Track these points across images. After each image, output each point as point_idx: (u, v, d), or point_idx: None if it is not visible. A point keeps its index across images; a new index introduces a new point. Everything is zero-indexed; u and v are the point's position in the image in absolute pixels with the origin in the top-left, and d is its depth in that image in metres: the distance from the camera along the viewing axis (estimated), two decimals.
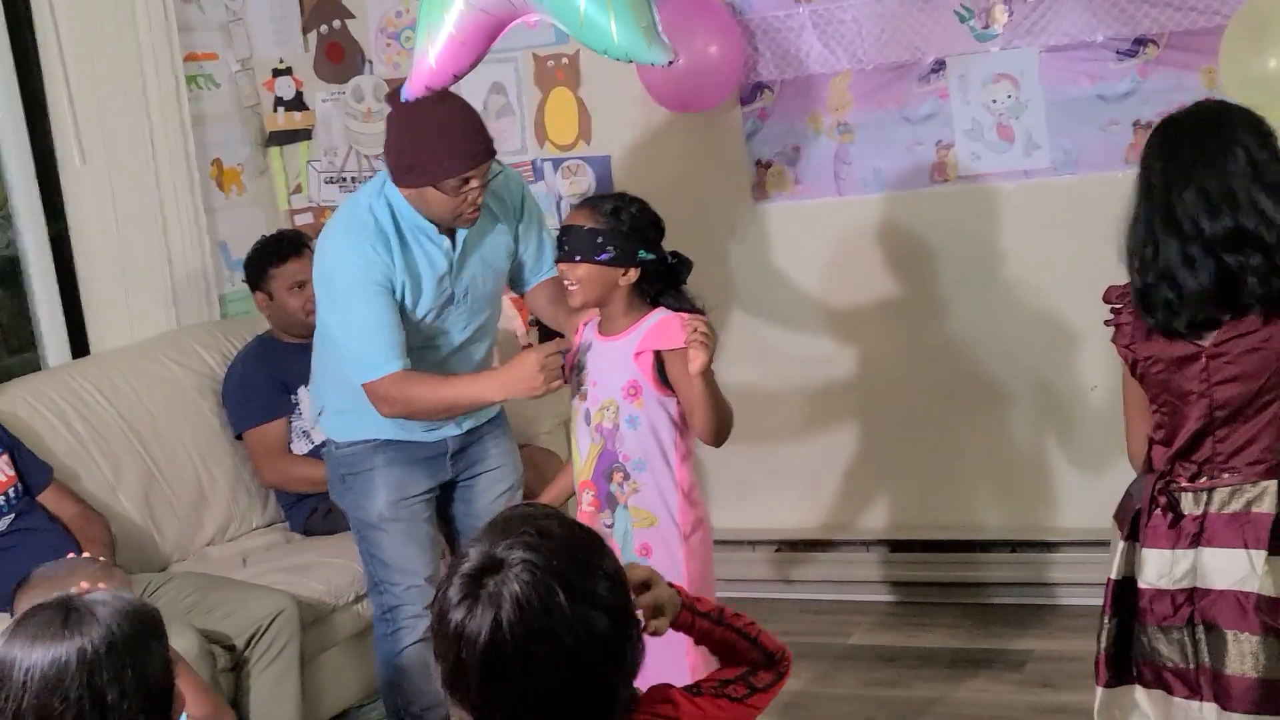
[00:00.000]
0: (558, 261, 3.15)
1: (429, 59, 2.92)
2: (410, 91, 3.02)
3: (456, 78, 3.01)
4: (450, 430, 3.58)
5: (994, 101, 4.36)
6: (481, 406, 3.37)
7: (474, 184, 3.27)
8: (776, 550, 4.83)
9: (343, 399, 3.57)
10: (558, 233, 3.17)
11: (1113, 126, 4.24)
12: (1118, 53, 4.20)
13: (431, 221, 3.36)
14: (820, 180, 4.62)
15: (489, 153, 3.28)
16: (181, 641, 3.43)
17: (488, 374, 3.37)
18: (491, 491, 3.69)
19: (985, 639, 4.32)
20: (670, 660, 3.05)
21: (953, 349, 4.56)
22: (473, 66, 2.98)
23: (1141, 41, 4.17)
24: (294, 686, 3.75)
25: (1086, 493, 4.35)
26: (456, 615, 1.68)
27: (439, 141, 3.21)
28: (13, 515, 3.76)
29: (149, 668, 2.01)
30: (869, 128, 4.52)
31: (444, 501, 3.70)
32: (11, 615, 2.74)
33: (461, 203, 3.29)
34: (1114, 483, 2.94)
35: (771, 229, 4.72)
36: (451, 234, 3.40)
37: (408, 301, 3.37)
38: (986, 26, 4.32)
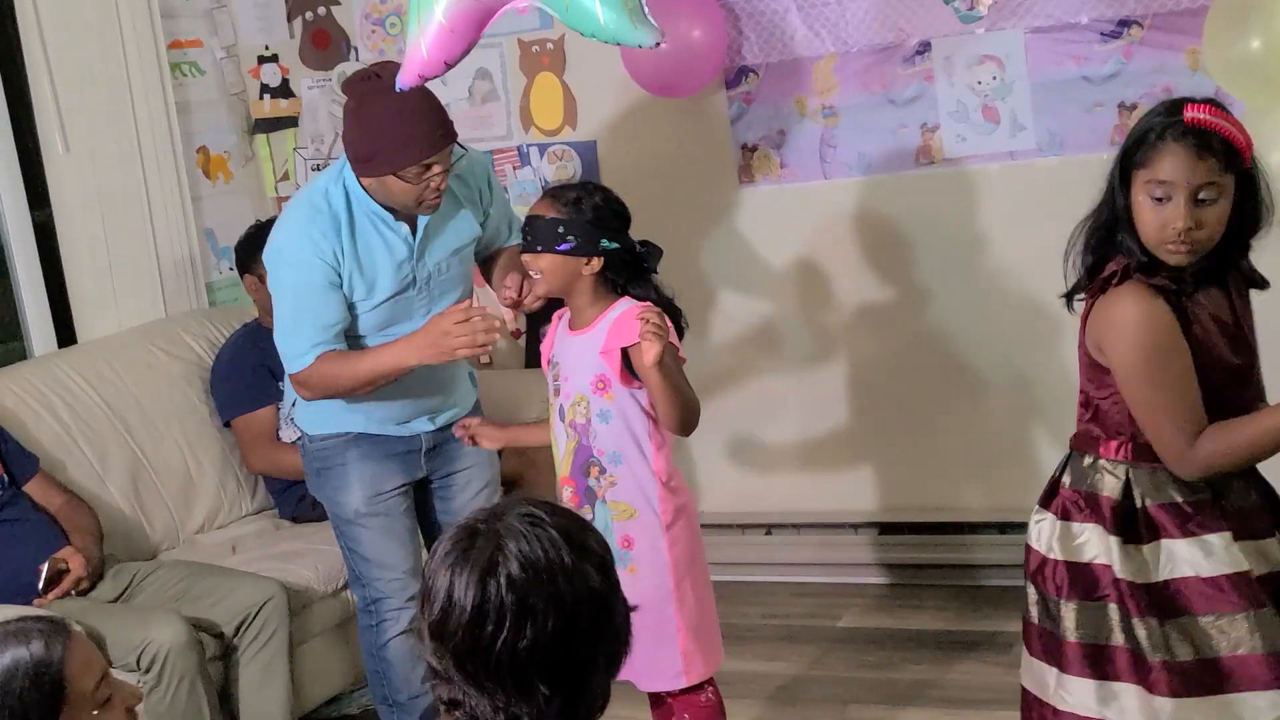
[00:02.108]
0: (522, 252, 3.15)
1: (421, 49, 2.92)
2: (404, 81, 3.02)
3: (449, 66, 3.01)
4: (423, 425, 3.58)
5: (979, 83, 4.36)
6: (402, 372, 3.35)
7: (436, 170, 3.28)
8: (766, 533, 4.84)
9: None
10: (522, 223, 3.16)
11: (1097, 108, 4.24)
12: (1102, 34, 4.20)
13: (392, 209, 3.36)
14: (805, 163, 4.61)
15: (449, 136, 3.28)
16: (169, 630, 3.46)
17: (404, 338, 3.35)
18: (469, 490, 3.68)
19: (974, 621, 4.33)
20: (664, 647, 3.07)
21: (939, 330, 4.56)
22: (465, 54, 2.98)
23: (1126, 23, 4.17)
24: (283, 673, 3.76)
25: None
26: (449, 560, 1.67)
27: (399, 128, 3.21)
28: None
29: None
30: (854, 110, 4.52)
31: (420, 501, 3.69)
32: None
33: (424, 189, 3.29)
34: None
35: (757, 212, 4.72)
36: (412, 221, 3.40)
37: (358, 290, 3.37)
38: (971, 8, 4.32)
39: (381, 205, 3.36)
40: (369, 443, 3.55)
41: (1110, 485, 2.61)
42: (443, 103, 5.00)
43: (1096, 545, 2.60)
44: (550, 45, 4.86)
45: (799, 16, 4.50)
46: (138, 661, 3.44)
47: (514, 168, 4.97)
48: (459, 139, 3.36)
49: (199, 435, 4.49)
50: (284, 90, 5.26)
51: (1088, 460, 2.66)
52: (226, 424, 4.51)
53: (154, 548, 4.26)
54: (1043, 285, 4.38)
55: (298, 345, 3.37)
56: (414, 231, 3.41)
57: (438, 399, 3.57)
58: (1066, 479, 2.70)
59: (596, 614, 1.68)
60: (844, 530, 4.76)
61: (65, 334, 4.51)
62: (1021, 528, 4.43)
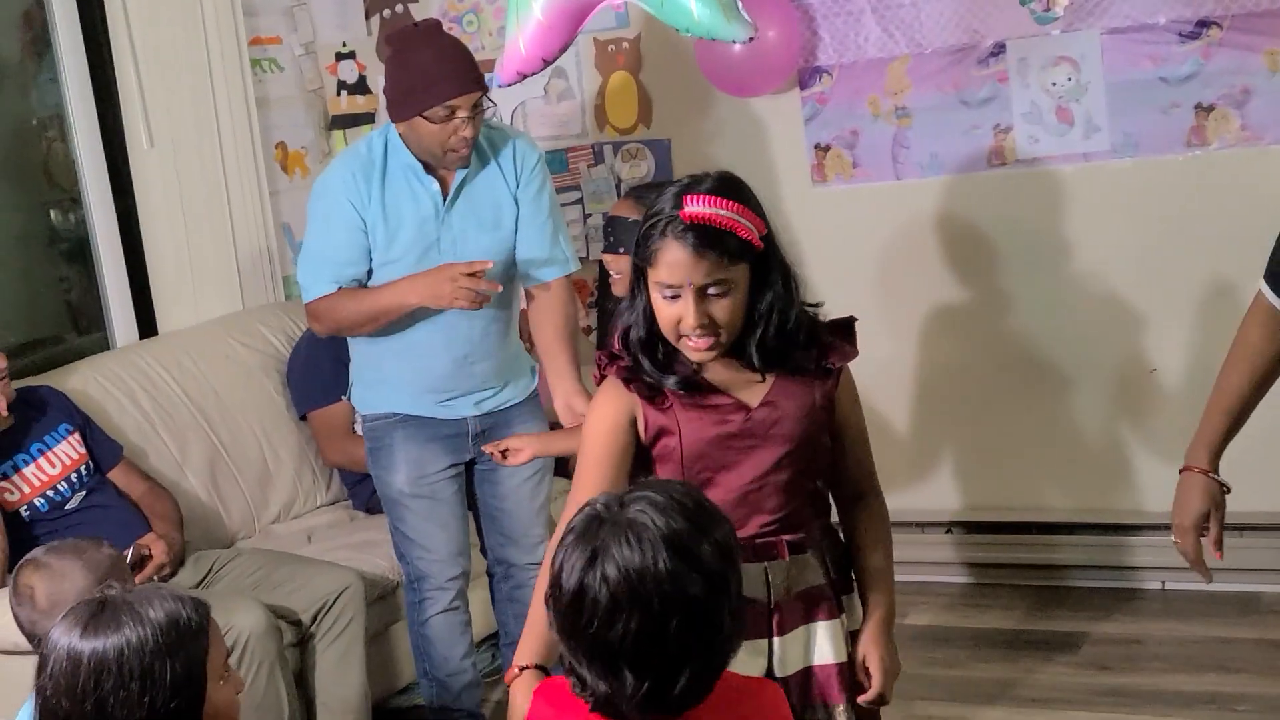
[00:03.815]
0: (603, 253, 3.18)
1: (519, 46, 2.98)
2: (503, 78, 3.09)
3: (546, 62, 3.08)
4: (467, 410, 3.62)
5: (1054, 84, 4.35)
6: (403, 310, 3.43)
7: (461, 115, 3.33)
8: None
9: (364, 369, 3.68)
10: (603, 224, 3.19)
11: (1174, 109, 4.23)
12: (1180, 35, 4.18)
13: (423, 160, 3.45)
14: (878, 164, 4.63)
15: (475, 84, 3.33)
16: (249, 617, 3.50)
17: (410, 276, 3.43)
18: (517, 475, 3.67)
19: (1041, 621, 4.33)
20: None
21: (1013, 331, 4.56)
22: (563, 51, 3.04)
23: (1204, 23, 4.15)
24: (359, 661, 3.81)
25: (1159, 475, 4.37)
26: (569, 543, 1.75)
27: (427, 70, 3.32)
28: (84, 492, 3.83)
29: (172, 672, 2.06)
30: (927, 111, 4.53)
31: (469, 483, 3.74)
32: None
33: (450, 135, 3.36)
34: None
35: (830, 212, 4.73)
36: (445, 184, 3.48)
37: (379, 238, 3.47)
38: (1047, 9, 4.31)
39: (415, 158, 3.45)
40: (414, 425, 3.61)
41: None
42: (518, 100, 5.08)
43: None
44: (625, 44, 4.90)
45: (874, 18, 4.52)
46: None
47: (588, 166, 5.01)
48: (489, 95, 3.39)
49: (275, 426, 4.56)
50: (361, 87, 5.32)
51: None
52: (302, 417, 4.58)
53: (231, 536, 4.33)
54: (1117, 285, 4.41)
55: (311, 276, 3.54)
56: (445, 193, 3.49)
57: (483, 384, 3.62)
58: None
59: (689, 621, 1.72)
60: (910, 529, 4.75)
61: (147, 325, 4.58)
62: (1103, 529, 4.49)
